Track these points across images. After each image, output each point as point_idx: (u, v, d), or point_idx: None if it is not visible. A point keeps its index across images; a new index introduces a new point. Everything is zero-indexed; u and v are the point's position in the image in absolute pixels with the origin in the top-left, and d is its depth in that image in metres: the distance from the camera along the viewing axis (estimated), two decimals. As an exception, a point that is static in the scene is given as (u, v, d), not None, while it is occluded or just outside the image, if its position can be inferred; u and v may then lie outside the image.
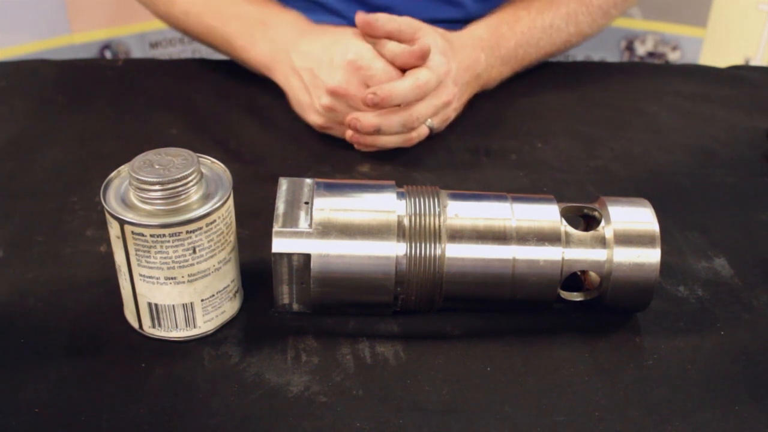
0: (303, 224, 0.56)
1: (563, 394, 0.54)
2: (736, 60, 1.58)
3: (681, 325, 0.60)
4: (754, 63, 1.58)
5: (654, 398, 0.54)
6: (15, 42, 1.48)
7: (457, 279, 0.57)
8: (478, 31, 0.89)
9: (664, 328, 0.60)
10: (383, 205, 0.57)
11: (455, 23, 1.00)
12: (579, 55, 1.63)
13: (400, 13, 0.98)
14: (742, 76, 0.99)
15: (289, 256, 0.55)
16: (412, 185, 0.60)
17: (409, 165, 0.78)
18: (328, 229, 0.56)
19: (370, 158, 0.79)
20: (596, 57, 1.60)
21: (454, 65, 0.81)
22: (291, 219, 0.56)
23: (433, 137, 0.83)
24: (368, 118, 0.75)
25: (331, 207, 0.56)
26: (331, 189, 0.58)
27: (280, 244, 0.55)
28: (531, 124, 0.87)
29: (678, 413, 0.53)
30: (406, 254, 0.56)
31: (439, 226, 0.56)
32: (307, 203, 0.57)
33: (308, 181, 0.60)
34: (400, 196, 0.58)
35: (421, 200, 0.57)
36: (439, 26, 1.00)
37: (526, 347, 0.58)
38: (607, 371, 0.56)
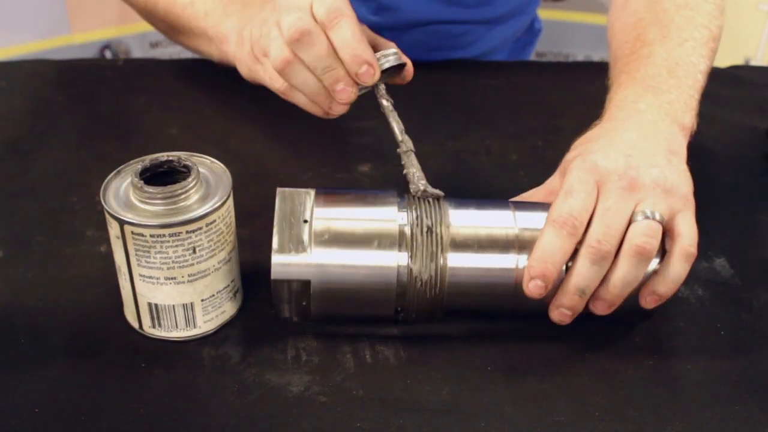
0: (302, 249, 0.54)
1: (563, 394, 0.54)
2: (736, 60, 1.58)
3: (681, 325, 0.60)
4: (754, 63, 1.58)
5: (654, 398, 0.54)
6: (15, 42, 1.48)
7: (460, 290, 0.56)
8: (625, 100, 0.65)
9: (664, 328, 0.60)
10: (385, 226, 0.55)
11: (458, 24, 1.00)
12: (579, 55, 1.63)
13: (405, 13, 0.98)
14: (742, 76, 0.99)
15: (289, 282, 0.54)
16: (412, 196, 0.59)
17: (409, 165, 0.78)
18: (329, 256, 0.54)
19: (371, 158, 0.79)
20: (596, 57, 1.60)
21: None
22: (290, 243, 0.54)
23: (433, 138, 0.83)
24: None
25: (331, 229, 0.55)
26: (331, 204, 0.56)
27: (279, 271, 0.54)
28: (531, 124, 0.87)
29: (678, 413, 0.53)
30: (407, 273, 0.55)
31: (441, 237, 0.55)
32: (306, 221, 0.56)
33: (307, 192, 0.58)
34: (402, 206, 0.57)
35: (423, 211, 0.56)
36: (441, 27, 1.00)
37: (526, 347, 0.58)
38: (607, 371, 0.56)
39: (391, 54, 0.62)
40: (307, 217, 0.55)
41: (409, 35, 0.99)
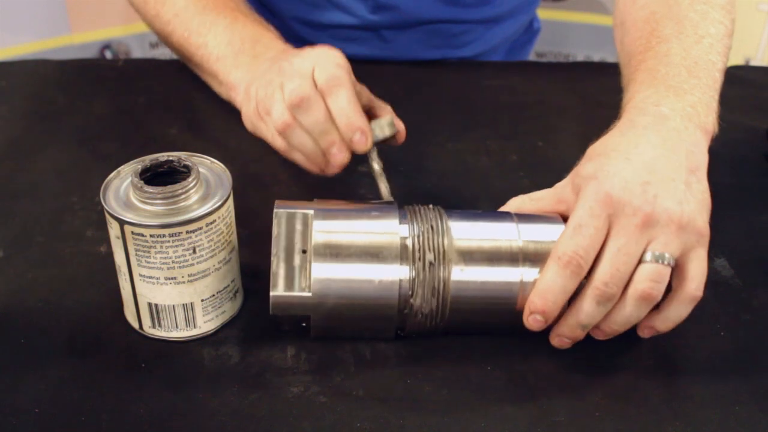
0: (301, 287, 0.54)
1: (563, 393, 0.54)
2: (736, 60, 1.58)
3: (681, 325, 0.60)
4: (754, 63, 1.58)
5: (654, 398, 0.54)
6: (15, 42, 1.48)
7: (461, 318, 0.56)
8: (644, 103, 0.62)
9: (664, 328, 0.60)
10: (386, 261, 0.54)
11: (457, 23, 1.00)
12: (579, 55, 1.63)
13: (403, 12, 0.98)
14: (742, 76, 0.99)
15: (289, 315, 0.55)
16: (414, 209, 0.58)
17: (410, 167, 0.78)
18: (328, 290, 0.54)
19: (370, 158, 0.79)
20: (596, 57, 1.60)
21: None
22: (287, 278, 0.54)
23: (433, 138, 0.83)
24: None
25: (330, 262, 0.54)
26: (331, 231, 0.55)
27: (278, 306, 0.54)
28: (531, 124, 0.87)
29: (678, 413, 0.53)
30: (407, 307, 0.55)
31: (444, 266, 0.55)
32: (305, 252, 0.55)
33: (305, 213, 0.57)
34: (403, 218, 0.56)
35: (425, 240, 0.55)
36: (440, 26, 1.00)
37: (526, 347, 0.58)
38: (607, 371, 0.56)
39: (386, 124, 0.65)
40: (306, 247, 0.55)
41: (407, 34, 0.99)
